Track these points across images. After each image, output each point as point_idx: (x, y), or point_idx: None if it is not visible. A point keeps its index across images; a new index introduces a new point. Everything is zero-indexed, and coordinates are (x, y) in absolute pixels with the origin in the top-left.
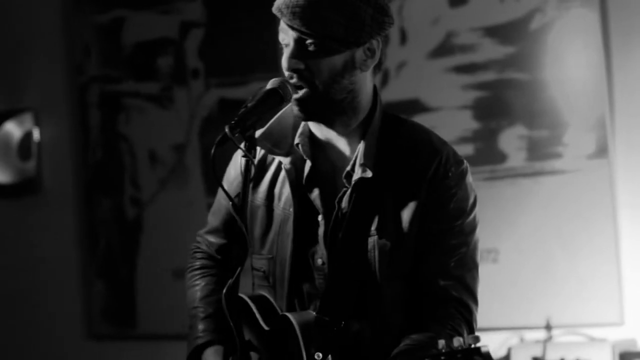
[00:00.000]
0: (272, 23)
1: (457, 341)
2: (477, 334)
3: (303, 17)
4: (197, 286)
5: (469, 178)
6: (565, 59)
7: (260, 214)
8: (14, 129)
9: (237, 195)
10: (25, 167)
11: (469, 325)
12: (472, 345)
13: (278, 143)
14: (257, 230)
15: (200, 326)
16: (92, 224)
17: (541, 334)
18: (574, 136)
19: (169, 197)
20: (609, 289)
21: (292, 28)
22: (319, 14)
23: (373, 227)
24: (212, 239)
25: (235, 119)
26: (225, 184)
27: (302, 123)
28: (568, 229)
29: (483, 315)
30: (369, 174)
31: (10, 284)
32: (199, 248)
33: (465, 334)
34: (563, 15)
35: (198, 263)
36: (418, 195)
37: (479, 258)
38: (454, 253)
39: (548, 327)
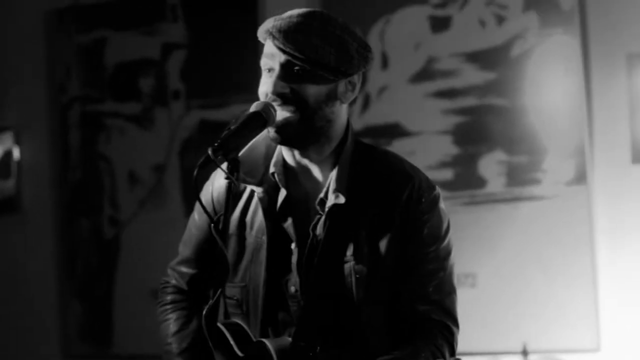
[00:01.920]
0: (254, 46)
1: None
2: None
3: (296, 42)
4: (169, 320)
5: (442, 203)
6: (546, 86)
7: (232, 242)
8: None
9: (210, 224)
10: (5, 186)
11: (451, 346)
12: None
13: (250, 172)
14: (230, 259)
15: None
16: (70, 243)
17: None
18: (553, 162)
19: (147, 217)
20: (585, 315)
21: (284, 52)
22: (311, 42)
23: (349, 253)
24: (183, 269)
25: (218, 141)
26: (196, 213)
27: (276, 152)
28: (546, 254)
29: (460, 340)
30: (342, 199)
31: None
32: (168, 283)
33: (447, 355)
34: (544, 41)
35: (169, 298)
36: (392, 221)
37: (455, 281)
38: (432, 278)
39: (525, 353)
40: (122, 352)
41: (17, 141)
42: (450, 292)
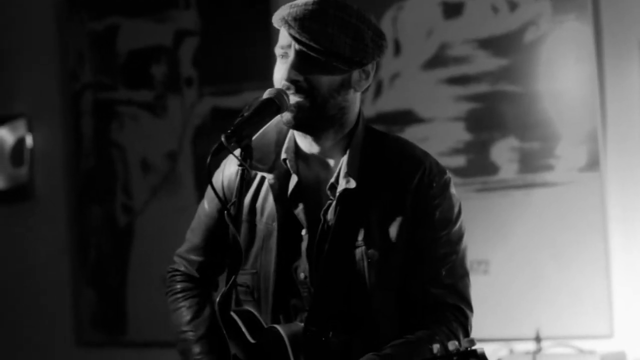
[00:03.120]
0: (267, 33)
1: (452, 345)
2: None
3: (312, 32)
4: (182, 309)
5: (452, 188)
6: (558, 72)
7: (243, 229)
8: (6, 135)
9: (222, 211)
10: (18, 173)
11: (465, 329)
12: (468, 348)
13: (261, 159)
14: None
15: (196, 349)
16: (83, 231)
17: (531, 346)
18: (566, 149)
19: (160, 204)
20: (598, 301)
21: (299, 41)
22: (327, 31)
23: (360, 238)
24: (192, 256)
25: (232, 128)
26: (206, 201)
27: (287, 139)
28: (559, 241)
29: (473, 326)
30: (353, 184)
31: (0, 289)
32: (177, 270)
33: (462, 338)
34: (557, 28)
35: (179, 286)
36: (403, 206)
37: (468, 265)
38: (444, 262)
39: (538, 339)
40: (135, 340)
41: (30, 129)
42: (463, 275)
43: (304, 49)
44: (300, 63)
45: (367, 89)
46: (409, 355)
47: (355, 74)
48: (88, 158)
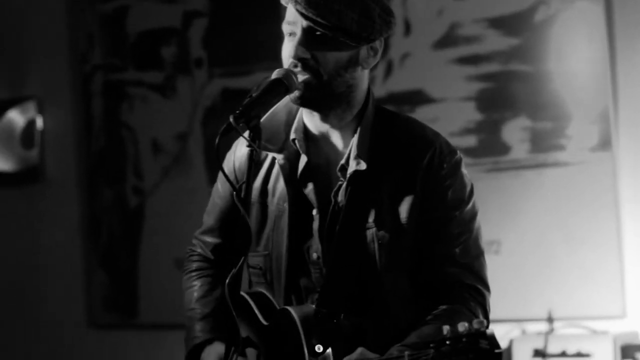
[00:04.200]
0: (276, 12)
1: (462, 326)
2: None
3: (318, 7)
4: (194, 287)
5: (464, 167)
6: (569, 52)
7: (255, 211)
8: (17, 117)
9: (232, 193)
10: (28, 155)
11: (483, 308)
12: (479, 329)
13: (271, 139)
14: (252, 227)
15: (198, 326)
16: (94, 212)
17: (543, 326)
18: (577, 128)
19: (171, 186)
20: (611, 281)
21: (306, 17)
22: (333, 7)
23: (370, 219)
24: (207, 238)
25: (240, 108)
26: (219, 183)
27: (297, 119)
28: (571, 221)
29: None
30: (363, 165)
31: (12, 272)
32: (194, 251)
33: (481, 317)
34: (567, 7)
35: (194, 265)
36: (414, 186)
37: (482, 244)
38: (458, 241)
39: (550, 320)
40: (147, 321)
41: (40, 110)
42: (478, 255)
43: (310, 24)
44: (307, 40)
45: (375, 67)
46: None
47: (363, 51)
48: (98, 140)
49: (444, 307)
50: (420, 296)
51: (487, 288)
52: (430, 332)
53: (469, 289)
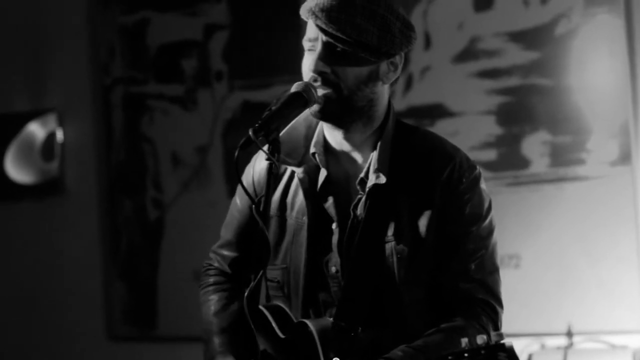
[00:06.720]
0: (297, 26)
1: (480, 339)
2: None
3: (339, 22)
4: (211, 301)
5: (483, 183)
6: (590, 65)
7: (273, 224)
8: (37, 129)
9: (250, 206)
10: (49, 167)
11: (495, 324)
12: (497, 342)
13: (290, 153)
14: (271, 240)
15: (216, 340)
16: (114, 225)
17: (562, 341)
18: (597, 142)
19: (191, 198)
20: (630, 296)
21: (326, 32)
22: (354, 21)
23: (390, 233)
24: (225, 252)
25: (259, 122)
26: (237, 196)
27: (316, 133)
28: (590, 235)
29: (504, 321)
30: (383, 179)
31: (31, 284)
32: (211, 265)
33: (492, 332)
34: (588, 21)
35: (211, 280)
36: (433, 201)
37: (498, 261)
38: (473, 257)
39: (569, 334)
40: (166, 334)
41: (61, 123)
42: (492, 271)
43: (330, 40)
44: (327, 54)
45: (396, 81)
46: (440, 347)
47: (383, 66)
48: (118, 152)
49: (455, 320)
50: (434, 310)
51: (500, 304)
52: (436, 340)
53: (481, 304)
